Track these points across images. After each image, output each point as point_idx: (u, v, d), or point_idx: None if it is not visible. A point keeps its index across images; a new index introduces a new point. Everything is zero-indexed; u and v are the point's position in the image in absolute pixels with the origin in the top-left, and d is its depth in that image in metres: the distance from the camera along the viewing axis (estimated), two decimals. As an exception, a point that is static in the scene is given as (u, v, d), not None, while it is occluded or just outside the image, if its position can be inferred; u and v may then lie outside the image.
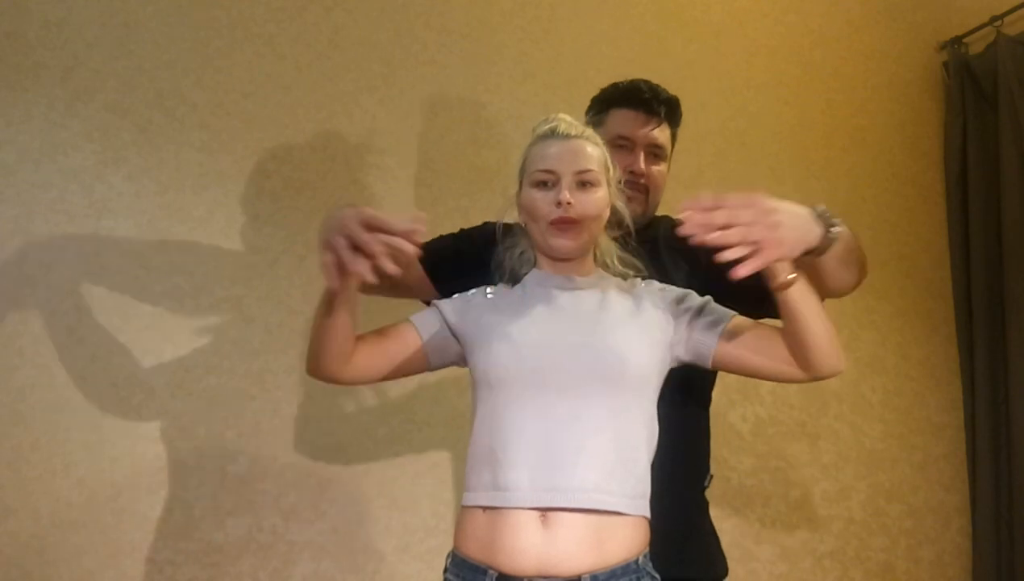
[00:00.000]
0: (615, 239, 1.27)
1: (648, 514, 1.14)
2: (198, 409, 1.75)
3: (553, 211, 1.18)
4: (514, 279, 1.26)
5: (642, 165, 1.47)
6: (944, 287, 2.61)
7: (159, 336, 1.74)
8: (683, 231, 1.01)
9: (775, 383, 2.23)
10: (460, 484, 1.18)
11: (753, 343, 1.18)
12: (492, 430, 1.14)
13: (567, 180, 1.18)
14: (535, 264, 1.26)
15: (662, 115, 1.49)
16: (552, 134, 1.21)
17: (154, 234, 1.77)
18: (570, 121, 1.24)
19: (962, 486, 2.50)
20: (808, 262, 1.12)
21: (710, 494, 1.49)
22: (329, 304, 1.09)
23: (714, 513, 1.50)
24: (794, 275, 1.07)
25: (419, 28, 2.06)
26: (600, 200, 1.20)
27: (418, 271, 1.39)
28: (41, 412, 1.64)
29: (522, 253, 1.27)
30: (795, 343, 1.12)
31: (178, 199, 1.80)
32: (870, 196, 2.52)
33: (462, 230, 1.49)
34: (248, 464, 1.77)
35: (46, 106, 1.72)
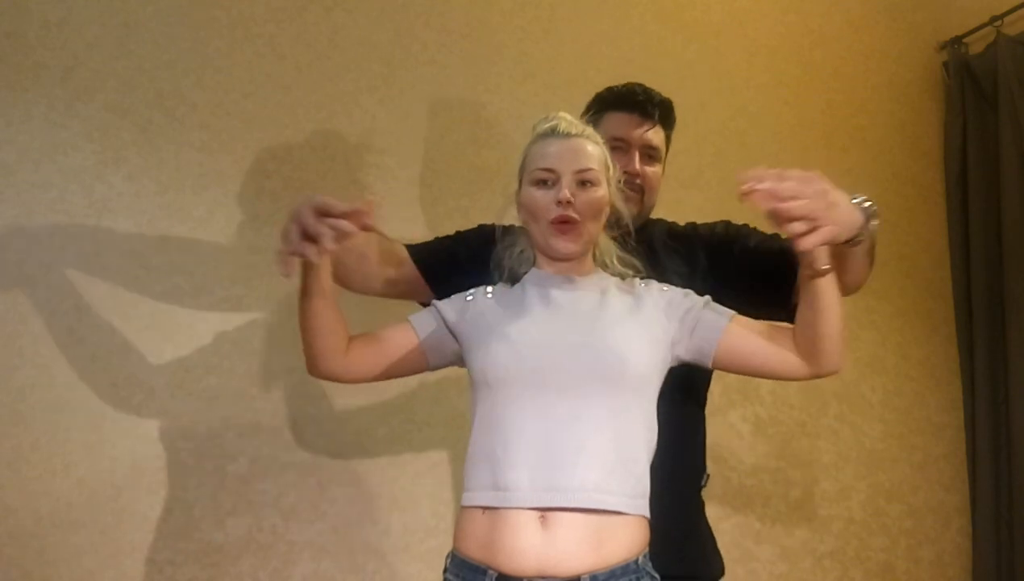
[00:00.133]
0: (614, 239, 1.27)
1: (648, 514, 1.13)
2: (198, 409, 1.75)
3: (553, 210, 1.18)
4: (513, 278, 1.26)
5: (637, 165, 1.48)
6: (944, 287, 2.61)
7: (159, 336, 1.74)
8: (746, 190, 1.02)
9: (775, 383, 2.26)
10: (460, 484, 1.18)
11: (754, 341, 1.18)
12: (492, 430, 1.14)
13: (567, 179, 1.18)
14: (534, 263, 1.26)
15: (656, 117, 1.51)
16: (552, 133, 1.22)
17: (154, 234, 1.77)
18: (570, 120, 1.24)
19: (962, 486, 2.50)
20: (841, 252, 1.14)
21: (709, 494, 1.50)
22: (302, 297, 1.14)
23: (714, 513, 1.51)
24: (829, 265, 1.09)
25: (419, 28, 2.07)
26: (600, 199, 1.20)
27: (413, 272, 1.41)
28: (41, 412, 1.64)
29: (521, 252, 1.27)
30: (810, 333, 1.13)
31: (178, 199, 1.80)
32: (870, 196, 2.51)
33: (458, 232, 1.51)
34: (248, 464, 1.77)
35: (46, 106, 1.72)
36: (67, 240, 1.71)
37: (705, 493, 1.50)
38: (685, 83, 2.32)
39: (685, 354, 1.20)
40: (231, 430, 1.77)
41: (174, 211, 1.79)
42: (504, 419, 1.13)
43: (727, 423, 2.20)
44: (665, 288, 1.25)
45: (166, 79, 1.82)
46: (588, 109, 1.55)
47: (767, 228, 1.52)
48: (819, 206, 1.03)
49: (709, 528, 1.49)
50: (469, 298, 1.25)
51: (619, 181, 1.26)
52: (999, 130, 2.51)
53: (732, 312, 1.21)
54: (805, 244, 1.02)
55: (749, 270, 1.43)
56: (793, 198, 1.02)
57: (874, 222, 1.16)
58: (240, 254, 1.83)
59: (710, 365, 1.21)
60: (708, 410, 1.54)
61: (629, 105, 1.51)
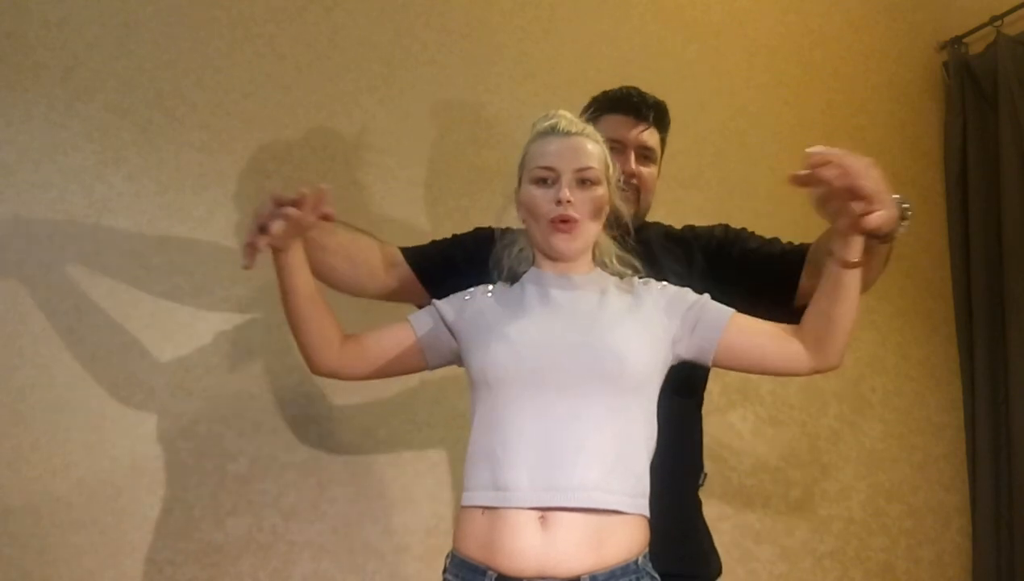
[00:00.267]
0: (613, 238, 1.27)
1: (647, 513, 1.13)
2: (198, 409, 1.75)
3: (553, 209, 1.18)
4: (512, 278, 1.26)
5: (633, 166, 1.50)
6: (944, 287, 2.61)
7: (159, 336, 1.74)
8: (818, 161, 1.03)
9: (775, 383, 2.26)
10: (460, 484, 1.18)
11: (755, 337, 1.18)
12: (491, 430, 1.14)
13: (567, 178, 1.18)
14: (533, 262, 1.26)
15: (651, 119, 1.54)
16: (552, 131, 1.22)
17: (154, 234, 1.77)
18: (570, 118, 1.24)
19: (962, 486, 2.50)
20: (871, 246, 1.15)
21: (708, 493, 1.50)
22: (282, 296, 1.17)
23: (714, 513, 1.51)
24: (860, 258, 1.11)
25: (419, 28, 2.07)
26: (600, 198, 1.20)
27: (408, 275, 1.43)
28: (41, 412, 1.64)
29: (520, 251, 1.27)
30: (824, 322, 1.14)
31: (178, 199, 1.80)
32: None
33: (454, 236, 1.52)
34: (248, 464, 1.77)
35: (46, 106, 1.72)
36: (67, 240, 1.71)
37: (704, 492, 1.51)
38: (685, 83, 2.32)
39: (686, 352, 1.20)
40: (231, 430, 1.77)
41: (174, 211, 1.79)
42: (504, 419, 1.13)
43: (727, 423, 2.19)
44: (664, 286, 1.25)
45: (166, 79, 1.82)
46: (584, 112, 1.56)
47: (767, 230, 1.54)
48: (882, 190, 1.06)
49: (706, 527, 1.49)
50: (467, 297, 1.26)
51: (619, 180, 1.26)
52: (999, 130, 2.51)
53: (732, 310, 1.21)
54: (868, 223, 1.05)
55: (750, 272, 1.44)
56: (862, 178, 1.04)
57: (905, 222, 1.18)
58: (240, 254, 1.82)
59: (711, 363, 1.21)
60: (708, 409, 1.54)
61: (624, 107, 1.53)
